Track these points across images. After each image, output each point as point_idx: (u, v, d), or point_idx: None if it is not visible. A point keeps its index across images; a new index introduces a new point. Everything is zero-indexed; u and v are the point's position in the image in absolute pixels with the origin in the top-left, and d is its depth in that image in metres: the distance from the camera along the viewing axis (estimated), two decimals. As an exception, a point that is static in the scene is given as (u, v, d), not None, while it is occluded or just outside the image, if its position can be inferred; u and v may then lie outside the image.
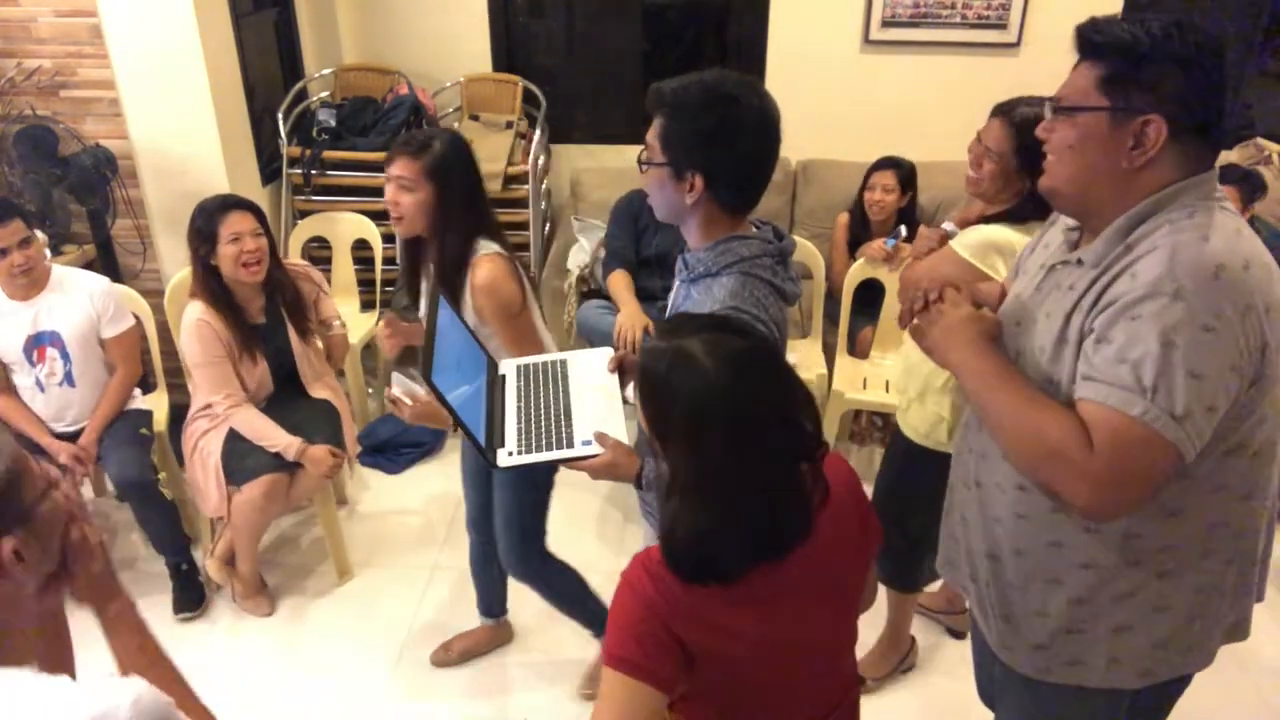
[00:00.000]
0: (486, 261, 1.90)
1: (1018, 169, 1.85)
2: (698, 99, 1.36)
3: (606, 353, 1.68)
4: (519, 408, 1.58)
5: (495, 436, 1.52)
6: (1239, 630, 1.34)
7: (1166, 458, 1.09)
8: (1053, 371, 1.21)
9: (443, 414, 1.89)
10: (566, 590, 2.32)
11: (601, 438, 1.45)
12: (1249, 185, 3.13)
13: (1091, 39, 1.17)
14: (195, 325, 2.50)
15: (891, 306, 3.15)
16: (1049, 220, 1.42)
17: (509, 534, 2.17)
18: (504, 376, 1.69)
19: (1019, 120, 1.83)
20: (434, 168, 1.89)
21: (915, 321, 1.37)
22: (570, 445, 1.46)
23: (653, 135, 1.42)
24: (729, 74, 1.39)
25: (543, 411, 1.55)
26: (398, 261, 2.17)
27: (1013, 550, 1.32)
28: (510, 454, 1.47)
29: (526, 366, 1.71)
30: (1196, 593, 1.25)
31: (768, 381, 1.05)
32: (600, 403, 1.56)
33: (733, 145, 1.38)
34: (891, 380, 3.11)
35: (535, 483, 2.14)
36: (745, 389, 1.02)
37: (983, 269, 1.83)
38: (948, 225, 2.04)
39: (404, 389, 1.85)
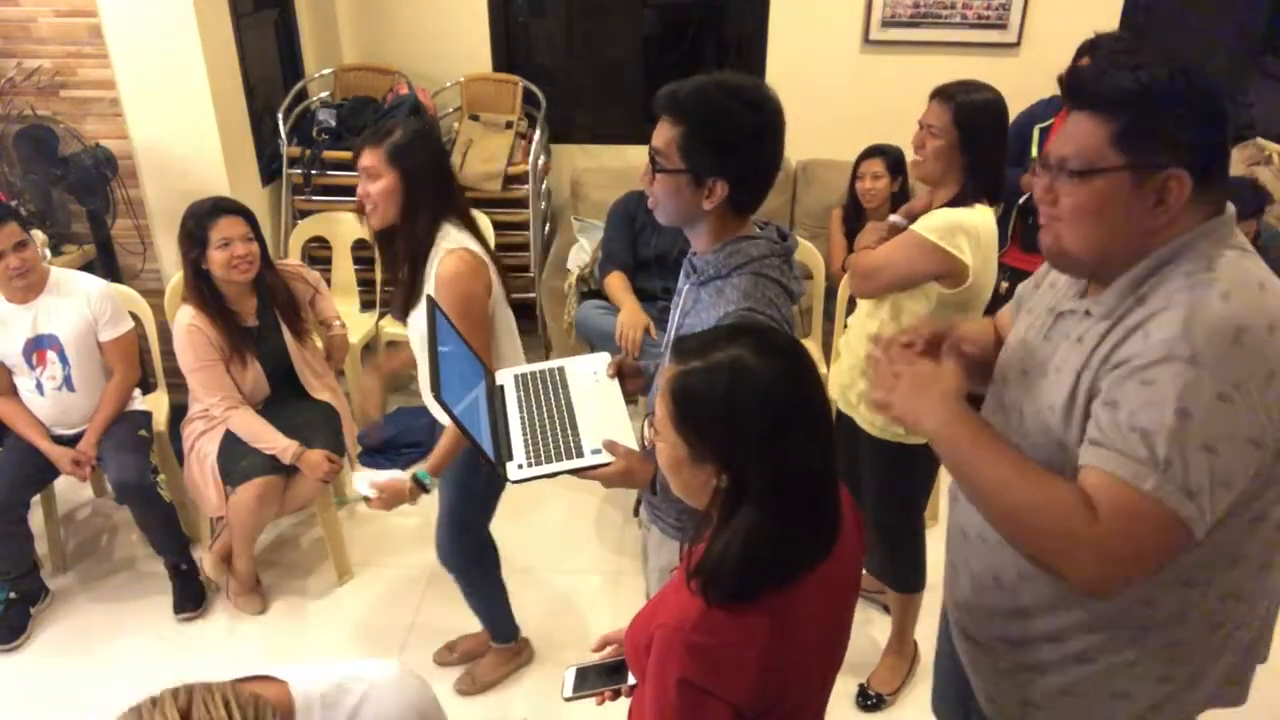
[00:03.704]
0: (455, 256, 1.90)
1: (960, 144, 1.89)
2: (724, 106, 1.34)
3: (604, 358, 1.67)
4: (522, 418, 1.55)
5: (502, 449, 1.49)
6: (1238, 694, 1.26)
7: (1177, 535, 1.01)
8: (1064, 435, 1.12)
9: (406, 489, 1.91)
10: (485, 592, 2.38)
11: (612, 446, 1.43)
12: (1255, 201, 2.99)
13: (1094, 91, 1.07)
14: (186, 330, 2.50)
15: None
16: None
17: (448, 525, 2.22)
18: (502, 387, 1.67)
19: (960, 102, 1.89)
20: (395, 152, 1.90)
21: (876, 394, 1.22)
22: (580, 455, 1.44)
23: (665, 141, 1.38)
24: (742, 76, 1.38)
25: (547, 421, 1.53)
26: (379, 265, 2.16)
27: (1013, 609, 1.26)
28: (520, 466, 1.45)
29: (524, 376, 1.69)
30: (1203, 660, 1.19)
31: (813, 369, 1.06)
32: (604, 409, 1.55)
33: (759, 151, 1.37)
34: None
35: (480, 478, 2.14)
36: (806, 377, 1.04)
37: (950, 250, 1.86)
38: (895, 218, 2.06)
39: (367, 483, 1.90)
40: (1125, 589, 1.09)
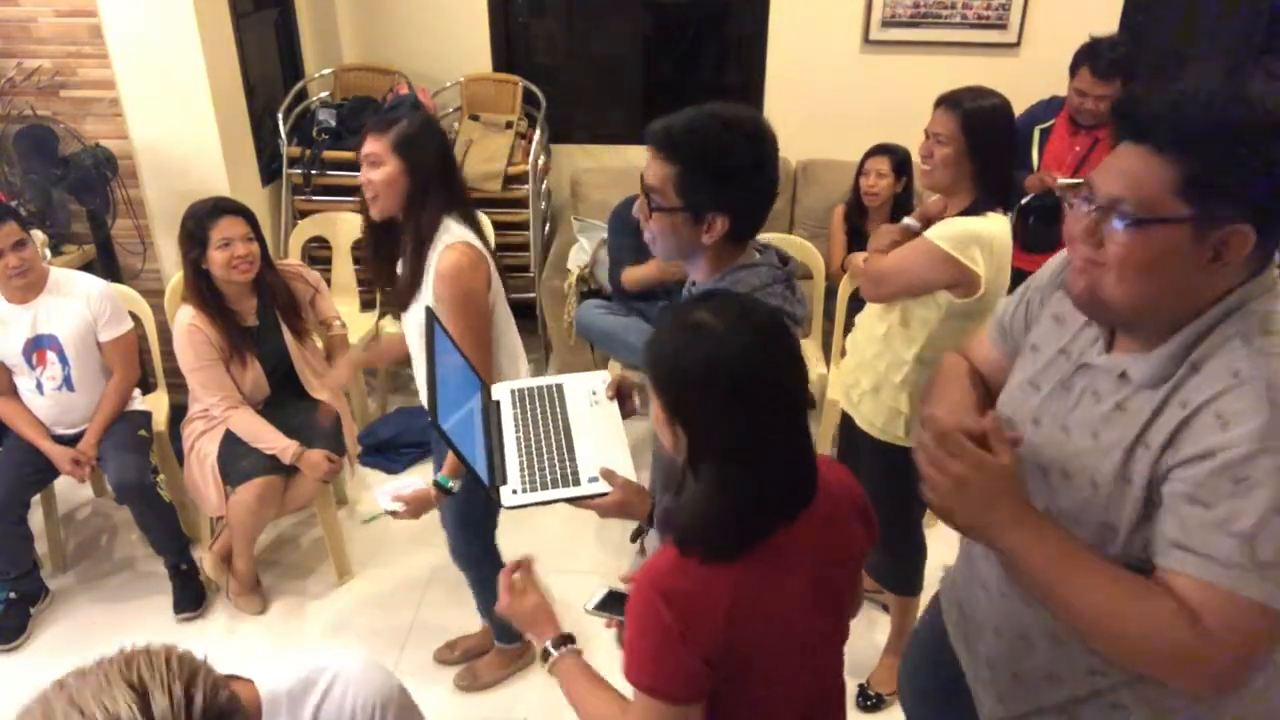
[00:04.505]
0: (454, 250, 1.88)
1: (968, 151, 1.88)
2: (720, 139, 1.32)
3: (603, 377, 1.65)
4: (518, 439, 1.53)
5: (497, 472, 1.47)
6: None
7: None
8: (1112, 517, 1.04)
9: (431, 496, 1.90)
10: (495, 591, 2.37)
11: (610, 476, 1.41)
12: None
13: (1160, 128, 0.95)
14: (186, 330, 2.50)
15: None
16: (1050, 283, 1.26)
17: (454, 525, 2.23)
18: (498, 403, 1.64)
19: (967, 109, 1.88)
20: (400, 142, 1.88)
21: (936, 500, 1.08)
22: (576, 483, 1.43)
23: (660, 179, 1.35)
24: (733, 107, 1.36)
25: (543, 444, 1.51)
26: (367, 253, 2.14)
27: (1025, 659, 1.21)
28: (515, 492, 1.43)
29: (520, 392, 1.66)
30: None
31: (775, 334, 1.06)
32: (602, 432, 1.52)
33: (758, 182, 1.36)
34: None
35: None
36: (760, 341, 1.04)
37: (964, 260, 1.84)
38: (910, 221, 2.05)
39: (392, 495, 1.88)
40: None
